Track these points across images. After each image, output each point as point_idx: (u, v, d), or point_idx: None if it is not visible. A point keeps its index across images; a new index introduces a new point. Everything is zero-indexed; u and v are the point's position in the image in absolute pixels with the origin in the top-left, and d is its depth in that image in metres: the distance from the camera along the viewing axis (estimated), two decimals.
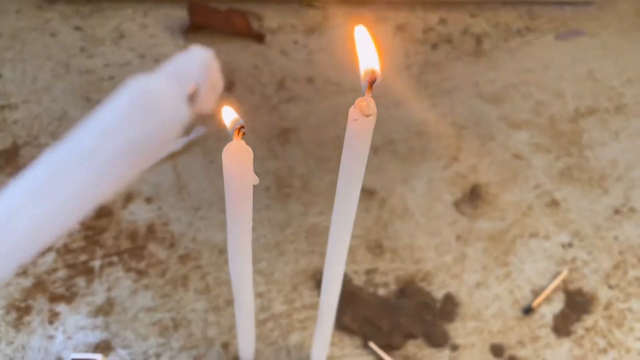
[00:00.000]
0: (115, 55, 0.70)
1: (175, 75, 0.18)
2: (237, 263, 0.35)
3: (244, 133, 0.25)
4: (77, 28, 0.72)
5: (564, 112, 0.69)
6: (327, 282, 0.40)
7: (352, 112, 0.28)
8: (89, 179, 0.18)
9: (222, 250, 0.56)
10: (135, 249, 0.55)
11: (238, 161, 0.26)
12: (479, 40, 0.75)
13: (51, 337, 0.50)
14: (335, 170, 0.31)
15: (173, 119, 0.18)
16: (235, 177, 0.27)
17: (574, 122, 0.68)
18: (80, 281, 0.53)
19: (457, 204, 0.60)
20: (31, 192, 0.18)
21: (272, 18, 0.75)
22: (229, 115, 0.26)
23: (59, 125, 0.63)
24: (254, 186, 0.28)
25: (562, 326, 0.53)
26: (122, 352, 0.49)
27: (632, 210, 0.61)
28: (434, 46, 0.74)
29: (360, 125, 0.28)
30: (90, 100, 0.66)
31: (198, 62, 0.18)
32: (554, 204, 0.61)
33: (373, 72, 0.26)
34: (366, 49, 0.27)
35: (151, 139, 0.17)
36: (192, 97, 0.19)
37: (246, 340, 0.46)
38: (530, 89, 0.71)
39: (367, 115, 0.27)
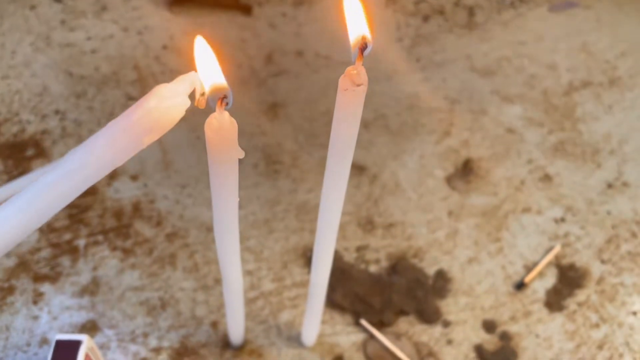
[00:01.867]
0: (97, 28, 0.68)
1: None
2: (223, 241, 0.34)
3: (227, 104, 0.23)
4: (58, 0, 0.70)
5: (557, 86, 0.68)
6: (318, 259, 0.39)
7: (342, 82, 0.26)
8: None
9: (210, 228, 0.54)
10: (120, 228, 0.54)
11: (221, 134, 0.25)
12: (471, 12, 0.74)
13: (36, 318, 0.49)
14: (326, 146, 0.30)
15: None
16: (219, 151, 0.26)
17: (567, 96, 0.67)
18: (65, 260, 0.52)
19: (449, 179, 0.60)
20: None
21: None
22: (210, 76, 0.24)
23: (39, 101, 0.61)
24: (242, 163, 0.27)
25: (554, 301, 0.53)
26: (109, 332, 0.49)
27: (625, 184, 0.61)
28: (426, 18, 0.73)
29: (350, 96, 0.27)
30: (72, 74, 0.64)
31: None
32: (547, 178, 0.60)
33: (364, 38, 0.24)
34: (356, 16, 0.26)
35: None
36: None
37: (235, 319, 0.45)
38: (523, 62, 0.69)
39: (358, 85, 0.26)
